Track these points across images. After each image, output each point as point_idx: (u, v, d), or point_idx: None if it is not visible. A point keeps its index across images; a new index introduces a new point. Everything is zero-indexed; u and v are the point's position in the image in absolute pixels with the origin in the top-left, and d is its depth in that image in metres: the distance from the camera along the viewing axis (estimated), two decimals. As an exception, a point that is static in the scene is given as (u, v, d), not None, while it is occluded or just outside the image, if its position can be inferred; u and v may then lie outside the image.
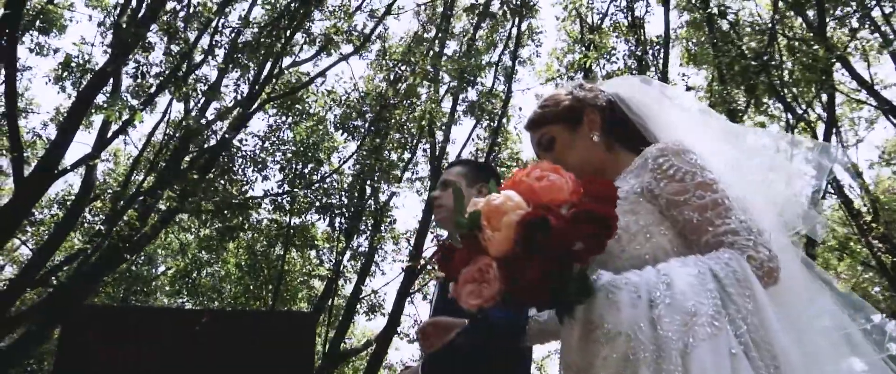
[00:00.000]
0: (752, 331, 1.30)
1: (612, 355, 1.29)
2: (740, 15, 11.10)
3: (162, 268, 16.06)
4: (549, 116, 1.78)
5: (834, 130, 10.99)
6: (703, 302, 1.30)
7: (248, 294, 13.18)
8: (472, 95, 12.34)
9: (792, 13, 10.74)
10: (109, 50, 13.25)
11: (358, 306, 12.55)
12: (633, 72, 13.29)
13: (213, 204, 9.86)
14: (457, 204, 1.32)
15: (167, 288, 14.64)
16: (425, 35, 12.36)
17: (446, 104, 12.20)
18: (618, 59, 13.35)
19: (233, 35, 10.14)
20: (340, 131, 11.80)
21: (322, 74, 10.91)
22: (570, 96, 1.78)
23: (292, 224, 12.34)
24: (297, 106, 10.99)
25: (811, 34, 9.37)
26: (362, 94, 11.18)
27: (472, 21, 12.69)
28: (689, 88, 11.13)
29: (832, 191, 11.64)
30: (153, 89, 11.99)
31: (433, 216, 2.98)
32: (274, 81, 10.41)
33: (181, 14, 10.87)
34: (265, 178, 12.36)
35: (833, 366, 1.45)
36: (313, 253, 13.73)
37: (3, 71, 10.51)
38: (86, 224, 10.95)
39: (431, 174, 12.17)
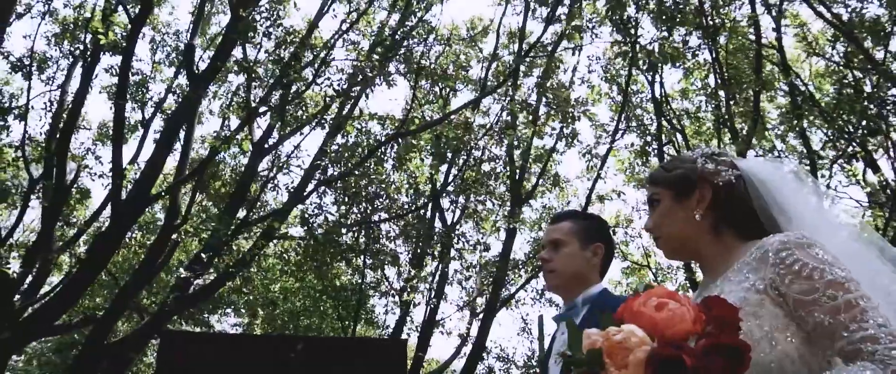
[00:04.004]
0: None
1: None
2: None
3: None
4: (662, 179, 1.73)
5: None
6: None
7: (320, 318, 13.19)
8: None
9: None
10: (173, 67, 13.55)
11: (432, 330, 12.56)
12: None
13: (307, 232, 9.92)
14: (572, 339, 1.25)
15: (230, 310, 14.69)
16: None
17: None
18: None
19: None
20: (437, 161, 11.82)
21: (452, 114, 10.92)
22: (690, 165, 1.70)
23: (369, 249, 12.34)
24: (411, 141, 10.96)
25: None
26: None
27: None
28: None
29: None
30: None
31: (544, 282, 2.75)
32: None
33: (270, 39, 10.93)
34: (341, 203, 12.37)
35: None
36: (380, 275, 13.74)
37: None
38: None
39: (511, 200, 12.22)
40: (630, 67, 11.01)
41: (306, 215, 9.84)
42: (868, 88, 10.54)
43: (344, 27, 10.79)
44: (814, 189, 1.71)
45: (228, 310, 14.82)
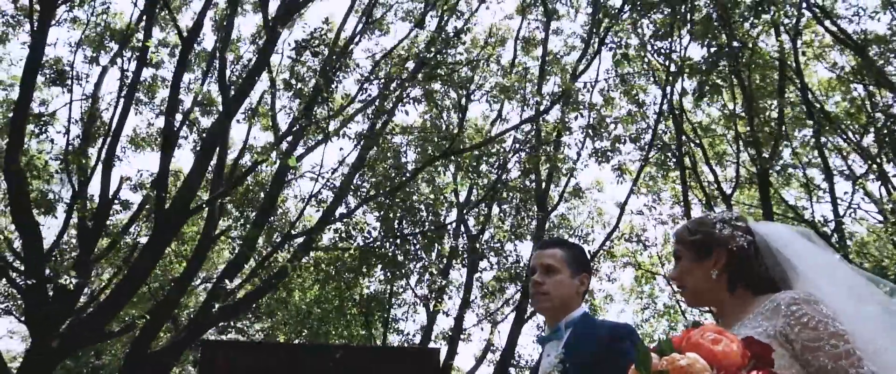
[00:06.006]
0: None
1: None
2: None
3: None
4: (684, 240, 1.99)
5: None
6: None
7: (346, 326, 13.41)
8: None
9: None
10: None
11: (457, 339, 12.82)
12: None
13: (351, 243, 10.15)
14: (643, 360, 1.41)
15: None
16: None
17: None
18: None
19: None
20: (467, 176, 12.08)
21: (499, 136, 11.18)
22: (709, 230, 1.94)
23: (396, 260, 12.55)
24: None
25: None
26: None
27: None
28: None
29: None
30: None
31: (531, 302, 2.81)
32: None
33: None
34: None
35: None
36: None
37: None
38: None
39: (538, 208, 12.49)
40: (664, 89, 11.31)
41: (350, 230, 10.03)
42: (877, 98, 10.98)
43: (379, 53, 11.03)
44: (823, 250, 1.98)
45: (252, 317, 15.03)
